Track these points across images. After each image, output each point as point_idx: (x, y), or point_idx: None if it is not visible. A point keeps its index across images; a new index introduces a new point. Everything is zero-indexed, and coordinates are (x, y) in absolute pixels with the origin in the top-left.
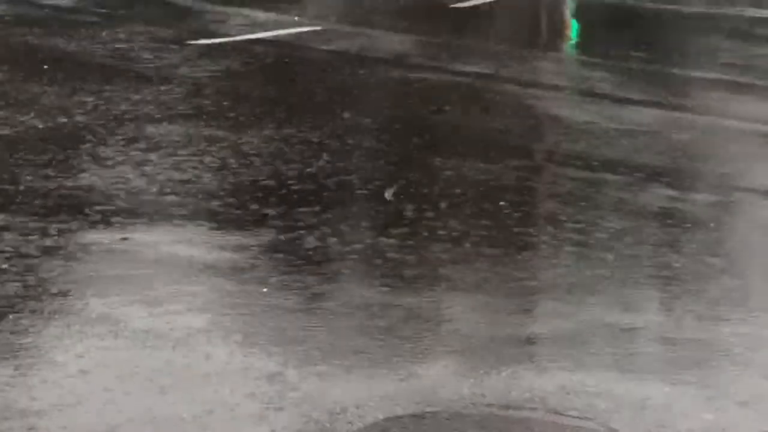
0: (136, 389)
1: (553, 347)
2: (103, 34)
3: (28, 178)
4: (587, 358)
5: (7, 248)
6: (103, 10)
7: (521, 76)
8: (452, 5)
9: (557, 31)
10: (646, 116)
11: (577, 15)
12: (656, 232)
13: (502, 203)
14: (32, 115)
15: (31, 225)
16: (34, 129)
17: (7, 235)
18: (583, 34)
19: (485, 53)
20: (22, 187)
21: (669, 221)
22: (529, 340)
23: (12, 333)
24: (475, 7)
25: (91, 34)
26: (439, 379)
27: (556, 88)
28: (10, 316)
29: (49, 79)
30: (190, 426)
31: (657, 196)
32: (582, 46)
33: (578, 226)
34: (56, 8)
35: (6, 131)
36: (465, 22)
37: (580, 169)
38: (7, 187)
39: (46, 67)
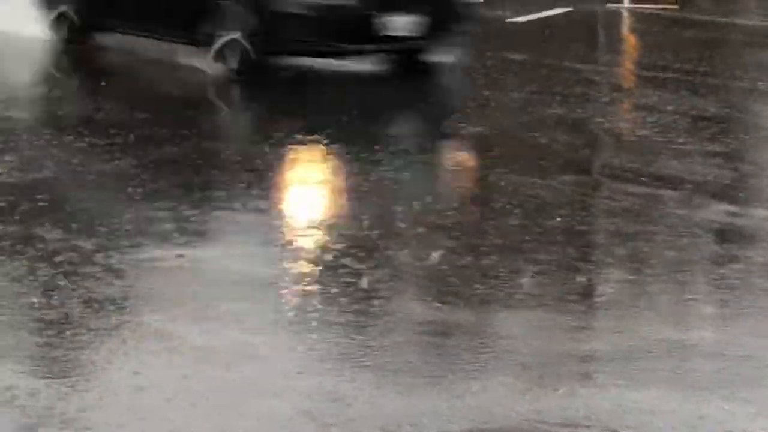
0: (190, 407)
1: (609, 364)
2: None
3: (83, 192)
4: (643, 375)
5: (66, 265)
6: None
7: (572, 90)
8: (509, 20)
9: (613, 44)
10: (705, 129)
11: (631, 29)
12: (714, 248)
13: (558, 218)
14: (93, 130)
15: (89, 242)
16: (95, 144)
17: (66, 252)
18: (638, 46)
19: (538, 65)
20: (79, 205)
21: (727, 237)
22: (585, 357)
23: (69, 349)
24: (532, 21)
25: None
26: (495, 397)
27: (611, 101)
28: (68, 332)
29: (102, 99)
30: None
31: (715, 211)
32: (637, 59)
33: (635, 241)
34: None
35: (68, 140)
36: (523, 33)
37: (637, 184)
38: (64, 204)
39: (103, 83)
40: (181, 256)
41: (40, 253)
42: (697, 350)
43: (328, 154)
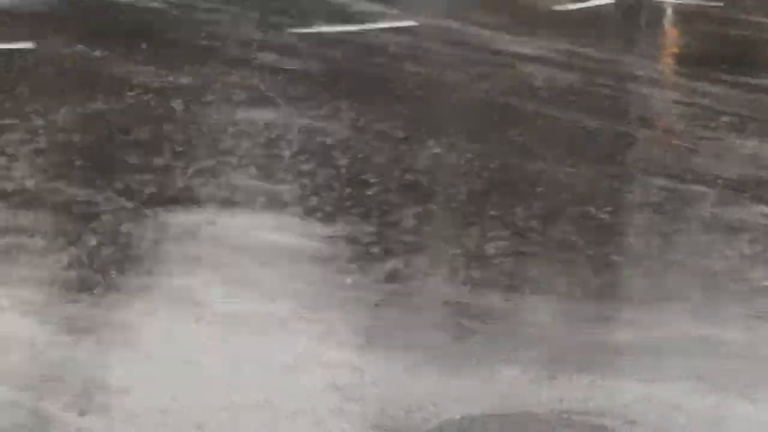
0: (214, 373)
1: (635, 357)
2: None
3: (119, 157)
4: (668, 370)
5: (97, 227)
6: None
7: (618, 81)
8: (554, 7)
9: (656, 38)
10: (746, 127)
11: (674, 23)
12: (745, 246)
13: (591, 209)
14: (126, 93)
15: (120, 204)
16: (127, 108)
17: (98, 215)
18: (681, 41)
19: (575, 55)
20: (113, 167)
21: (761, 238)
22: (611, 349)
23: (96, 309)
24: (577, 11)
25: (193, 17)
26: (518, 382)
27: (651, 96)
28: (95, 292)
29: (145, 59)
30: (266, 412)
31: (751, 211)
32: (679, 53)
33: (668, 237)
34: None
35: (99, 107)
36: (569, 22)
37: (671, 179)
38: (98, 165)
39: (144, 46)
40: (211, 222)
41: (73, 213)
42: (724, 348)
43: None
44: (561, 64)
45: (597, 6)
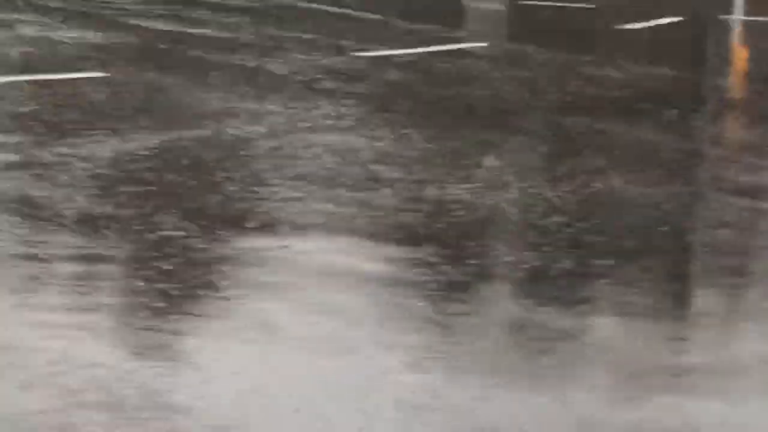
0: (288, 397)
1: (710, 377)
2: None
3: (191, 183)
4: (744, 391)
5: (172, 251)
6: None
7: (682, 101)
8: (620, 27)
9: (724, 55)
10: None
11: (744, 40)
12: None
13: (664, 227)
14: (197, 120)
15: (195, 229)
16: (199, 134)
17: (172, 239)
18: (750, 58)
19: (642, 74)
20: (186, 192)
21: None
22: (686, 369)
23: (171, 333)
24: (643, 29)
25: (258, 44)
26: (591, 404)
27: (722, 113)
28: (170, 317)
29: (216, 86)
30: (339, 431)
31: None
32: (749, 71)
33: (740, 255)
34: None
35: (172, 134)
36: (635, 42)
37: (743, 197)
38: (172, 191)
39: (214, 73)
40: (284, 246)
41: (147, 238)
42: None
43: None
44: (628, 83)
45: (662, 24)
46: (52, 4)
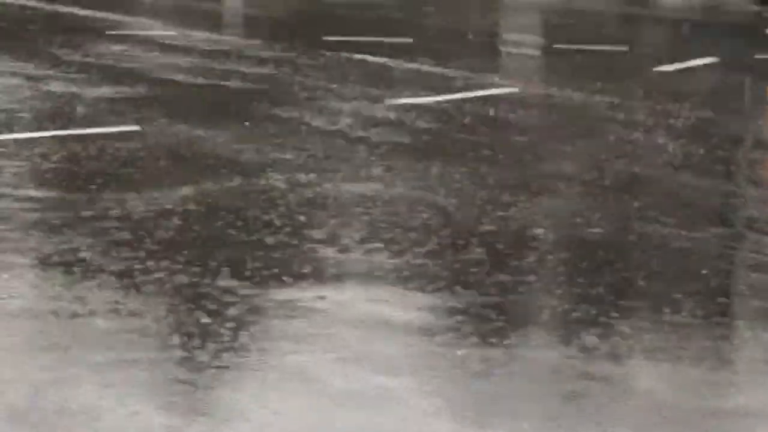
0: None
1: (756, 421)
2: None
3: (226, 236)
4: None
5: (209, 305)
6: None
7: (720, 145)
8: (655, 69)
9: (761, 97)
10: None
11: None
12: None
13: (703, 270)
14: (230, 171)
15: (233, 282)
16: (233, 186)
17: (210, 293)
18: None
19: (679, 117)
20: (221, 245)
21: None
22: (731, 413)
23: (210, 387)
24: (678, 71)
25: (291, 91)
26: None
27: (758, 157)
28: (210, 371)
29: (247, 137)
30: None
31: None
32: None
33: None
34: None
35: (205, 186)
36: (671, 85)
37: None
38: (207, 244)
39: (246, 123)
40: (321, 297)
41: (182, 292)
42: None
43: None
44: (666, 127)
45: (698, 65)
46: (79, 59)
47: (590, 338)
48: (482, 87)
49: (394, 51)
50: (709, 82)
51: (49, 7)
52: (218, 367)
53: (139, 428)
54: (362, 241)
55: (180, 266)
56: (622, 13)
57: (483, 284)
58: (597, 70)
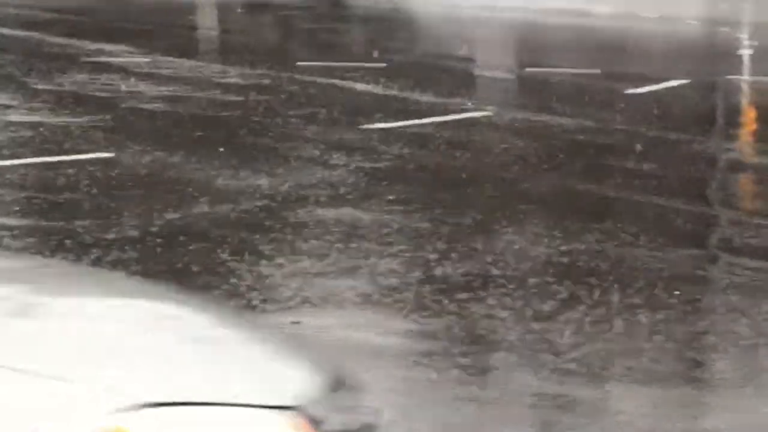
0: None
1: None
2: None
3: (203, 261)
4: None
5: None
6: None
7: (692, 166)
8: (627, 91)
9: (733, 118)
10: None
11: (753, 102)
12: None
13: (676, 292)
14: (205, 198)
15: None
16: (207, 212)
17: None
18: (760, 121)
19: (650, 138)
20: (196, 272)
21: None
22: None
23: None
24: (650, 93)
25: (265, 117)
26: None
27: (731, 179)
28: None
29: (221, 164)
30: None
31: None
32: (758, 134)
33: (754, 318)
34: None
35: (181, 212)
36: (642, 107)
37: (756, 259)
38: (182, 270)
39: (221, 150)
40: (297, 323)
41: None
42: None
43: None
44: (635, 149)
45: (669, 87)
46: (44, 87)
47: (564, 362)
48: (454, 111)
49: (368, 75)
50: (682, 103)
51: (24, 34)
52: None
53: None
54: (335, 266)
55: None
56: None
57: (461, 308)
58: (570, 92)
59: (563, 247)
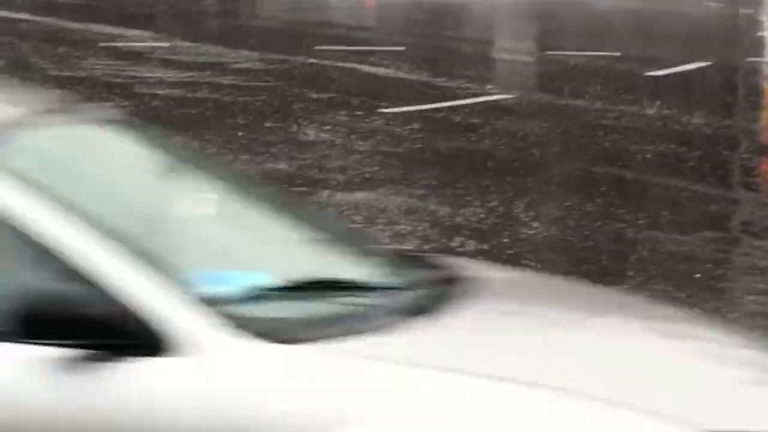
0: None
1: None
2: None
3: None
4: None
5: None
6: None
7: (711, 149)
8: (647, 73)
9: (754, 100)
10: None
11: None
12: None
13: (697, 275)
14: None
15: None
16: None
17: None
18: None
19: (677, 122)
20: None
21: None
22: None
23: None
24: (671, 75)
25: (285, 102)
26: None
27: (752, 160)
28: None
29: (240, 148)
30: None
31: None
32: None
33: None
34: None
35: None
36: (664, 90)
37: None
38: None
39: (240, 134)
40: None
41: None
42: None
43: None
44: (658, 131)
45: (691, 69)
46: (62, 73)
47: None
48: (476, 95)
49: (387, 59)
50: (703, 86)
51: (42, 19)
52: None
53: None
54: None
55: None
56: None
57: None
58: (592, 75)
59: (586, 232)
